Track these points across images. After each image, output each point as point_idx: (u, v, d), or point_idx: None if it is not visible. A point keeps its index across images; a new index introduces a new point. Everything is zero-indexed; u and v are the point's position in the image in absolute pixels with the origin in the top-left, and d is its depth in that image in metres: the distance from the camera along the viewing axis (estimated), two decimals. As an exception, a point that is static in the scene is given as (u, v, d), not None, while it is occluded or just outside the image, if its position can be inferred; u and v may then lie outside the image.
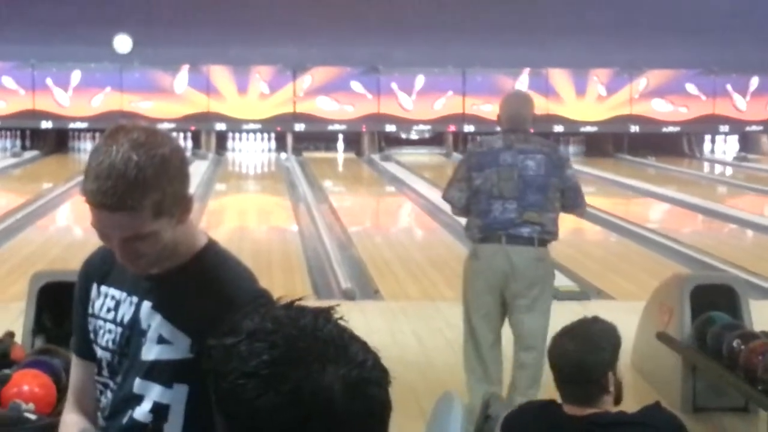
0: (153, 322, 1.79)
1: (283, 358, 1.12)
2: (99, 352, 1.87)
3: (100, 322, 1.87)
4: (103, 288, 1.87)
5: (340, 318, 1.19)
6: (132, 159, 1.65)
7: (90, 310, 1.89)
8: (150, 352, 1.79)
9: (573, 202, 4.49)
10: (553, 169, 4.40)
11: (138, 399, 1.81)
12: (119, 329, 1.83)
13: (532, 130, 4.53)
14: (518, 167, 4.37)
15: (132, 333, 1.81)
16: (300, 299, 1.23)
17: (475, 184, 4.40)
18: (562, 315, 6.89)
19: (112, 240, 1.72)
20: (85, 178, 1.69)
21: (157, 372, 1.78)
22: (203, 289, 1.78)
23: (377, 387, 1.15)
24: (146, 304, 1.80)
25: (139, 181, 1.65)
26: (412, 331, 6.27)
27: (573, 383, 2.53)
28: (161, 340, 1.78)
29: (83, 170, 1.70)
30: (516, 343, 4.50)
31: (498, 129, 4.56)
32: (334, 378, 1.12)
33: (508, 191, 4.35)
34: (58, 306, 4.14)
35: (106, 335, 1.85)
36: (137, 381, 1.80)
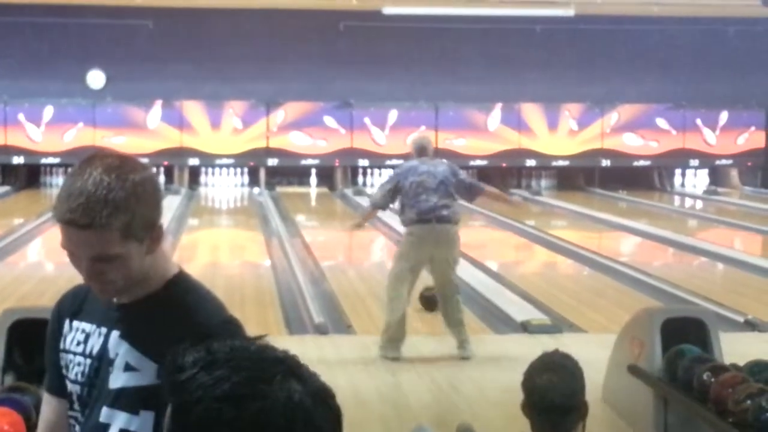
0: (120, 350, 1.80)
1: (252, 377, 1.16)
2: (69, 386, 1.87)
3: (71, 356, 1.87)
4: (75, 323, 1.88)
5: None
6: (104, 180, 1.69)
7: (62, 346, 1.89)
8: (117, 380, 1.79)
9: (475, 190, 6.67)
10: (453, 175, 6.54)
11: (105, 428, 1.80)
12: (88, 361, 1.84)
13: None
14: (432, 172, 6.48)
15: (101, 363, 1.82)
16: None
17: (405, 187, 6.45)
18: (535, 348, 6.91)
19: (80, 261, 1.73)
20: (56, 200, 1.72)
21: (123, 399, 1.78)
22: (171, 315, 1.79)
23: (333, 398, 1.20)
24: (114, 334, 1.81)
25: (109, 200, 1.68)
26: (385, 364, 6.26)
27: (559, 413, 2.61)
28: (128, 368, 1.79)
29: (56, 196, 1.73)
30: (437, 284, 6.56)
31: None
32: (300, 391, 1.16)
33: (429, 185, 6.42)
34: (29, 343, 4.10)
35: (76, 368, 1.86)
36: (104, 410, 1.81)
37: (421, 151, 6.71)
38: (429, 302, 7.51)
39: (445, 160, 6.91)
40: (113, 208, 1.68)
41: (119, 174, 1.70)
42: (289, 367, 1.18)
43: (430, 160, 6.65)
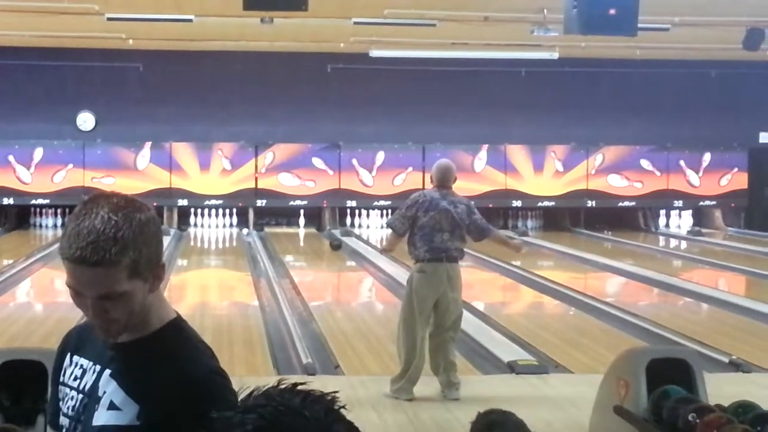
0: (108, 388, 1.83)
1: (268, 428, 1.22)
2: (62, 419, 1.91)
3: (67, 390, 1.91)
4: (75, 358, 1.93)
5: (342, 406, 1.31)
6: (111, 219, 1.72)
7: (61, 379, 1.94)
8: (100, 417, 1.82)
9: (486, 233, 6.73)
10: (468, 215, 6.59)
11: None
12: (80, 396, 1.88)
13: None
14: (451, 211, 6.51)
15: (90, 400, 1.85)
16: (303, 384, 1.34)
17: (423, 221, 6.46)
18: (522, 388, 6.96)
19: (85, 300, 1.76)
20: (63, 238, 1.74)
21: None
22: (161, 361, 1.82)
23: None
24: (106, 372, 1.85)
25: (118, 238, 1.71)
26: (372, 405, 6.29)
27: None
28: (111, 406, 1.81)
29: (57, 237, 1.77)
30: (444, 324, 6.47)
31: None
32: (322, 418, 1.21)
33: (445, 226, 6.48)
34: (17, 384, 4.11)
35: (69, 402, 1.89)
36: None
37: (442, 181, 6.59)
38: (333, 246, 9.85)
39: (464, 198, 6.76)
40: (122, 246, 1.71)
41: (126, 213, 1.74)
42: (315, 428, 1.24)
43: (451, 194, 6.57)
